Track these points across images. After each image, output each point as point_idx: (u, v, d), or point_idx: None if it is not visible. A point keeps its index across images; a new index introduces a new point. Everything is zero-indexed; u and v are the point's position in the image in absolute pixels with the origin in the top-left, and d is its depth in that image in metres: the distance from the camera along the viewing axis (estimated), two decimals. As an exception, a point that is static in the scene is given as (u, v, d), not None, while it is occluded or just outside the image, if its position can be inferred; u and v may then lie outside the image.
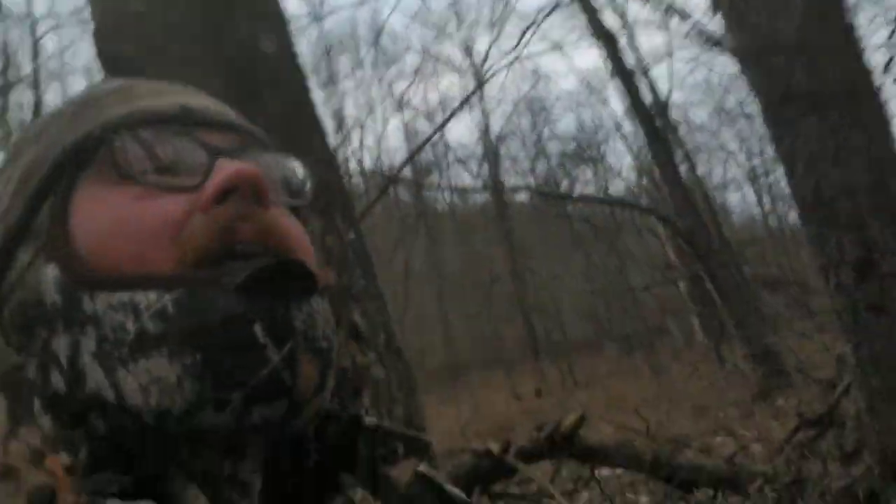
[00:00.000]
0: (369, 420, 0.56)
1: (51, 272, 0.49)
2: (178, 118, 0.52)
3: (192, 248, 0.47)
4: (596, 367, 20.03)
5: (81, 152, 0.52)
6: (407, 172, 12.93)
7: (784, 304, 10.83)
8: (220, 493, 0.47)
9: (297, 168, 0.56)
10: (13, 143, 0.57)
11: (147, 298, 0.45)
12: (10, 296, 0.50)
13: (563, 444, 4.27)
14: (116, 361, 0.45)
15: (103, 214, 0.49)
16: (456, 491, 0.60)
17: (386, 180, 9.15)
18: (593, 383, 18.02)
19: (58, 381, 0.47)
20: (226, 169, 0.49)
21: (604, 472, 5.27)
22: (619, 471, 5.40)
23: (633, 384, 15.23)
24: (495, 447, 4.09)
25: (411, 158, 12.51)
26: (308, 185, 0.56)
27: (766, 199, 22.65)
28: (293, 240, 0.51)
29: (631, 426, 9.44)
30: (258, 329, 0.45)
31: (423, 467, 0.58)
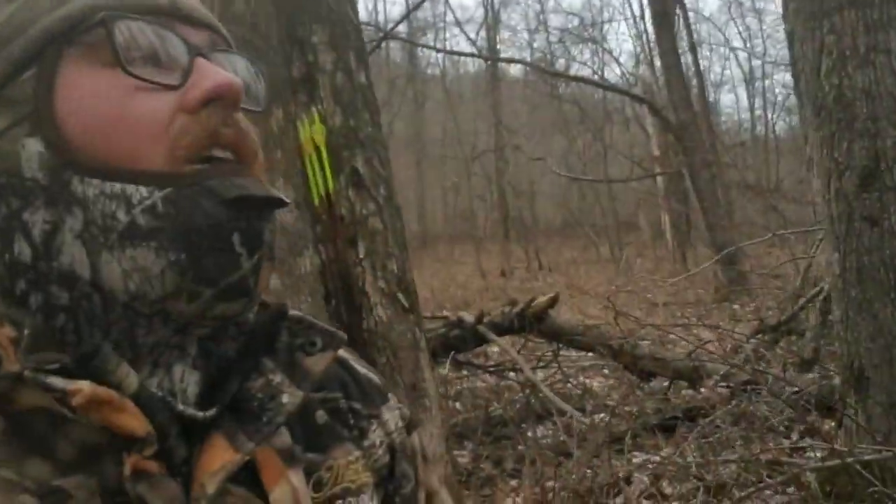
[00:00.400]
0: (293, 312, 0.60)
1: (34, 146, 0.50)
2: (167, 10, 0.54)
3: (182, 147, 0.51)
4: (562, 254, 20.35)
5: (73, 27, 0.52)
6: (402, 30, 12.41)
7: (759, 211, 10.89)
8: (161, 357, 0.52)
9: (256, 73, 0.60)
10: None
11: (139, 192, 0.49)
12: None
13: (533, 322, 4.32)
14: (102, 245, 0.49)
15: (97, 104, 0.50)
16: (371, 374, 0.70)
17: (380, 34, 8.73)
18: (558, 269, 18.35)
19: (23, 249, 0.50)
20: (211, 75, 0.52)
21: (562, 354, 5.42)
22: (576, 354, 5.56)
23: (596, 274, 15.54)
24: (469, 317, 4.12)
25: (410, 12, 11.96)
26: (263, 91, 0.61)
27: (757, 104, 22.43)
28: (256, 145, 0.55)
29: (593, 313, 9.66)
30: (237, 238, 0.50)
31: (342, 351, 0.67)
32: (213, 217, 0.50)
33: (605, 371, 5.98)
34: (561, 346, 4.63)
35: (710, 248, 12.13)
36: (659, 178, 16.09)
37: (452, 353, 4.16)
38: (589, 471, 3.47)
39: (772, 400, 3.82)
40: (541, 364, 4.75)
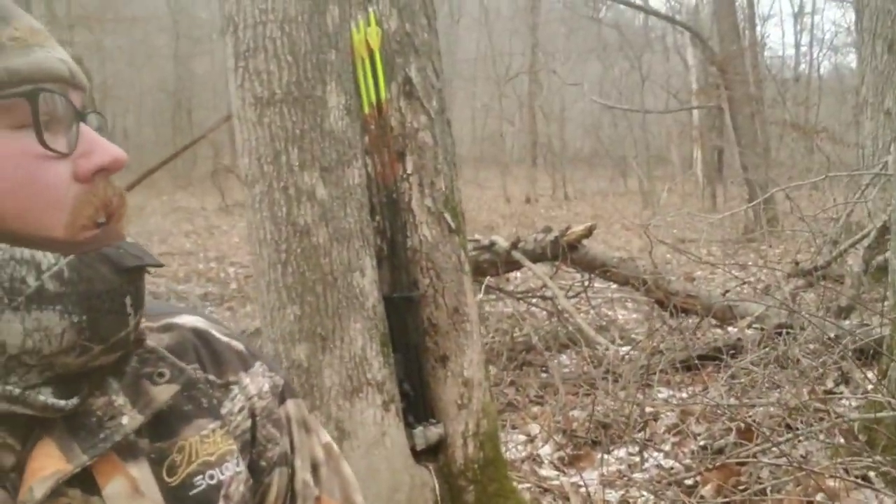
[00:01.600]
0: (149, 343, 0.64)
1: None
2: (67, 79, 0.58)
3: (84, 217, 0.56)
4: (588, 184, 20.07)
5: None
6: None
7: (801, 151, 10.55)
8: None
9: (104, 123, 0.65)
10: None
11: (47, 259, 0.54)
12: None
13: (566, 250, 4.23)
14: (5, 306, 0.52)
15: (7, 168, 0.53)
16: (234, 342, 0.72)
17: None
18: (584, 198, 18.13)
19: None
20: (100, 147, 0.58)
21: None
22: (599, 285, 5.47)
23: (623, 206, 15.33)
24: (502, 241, 4.03)
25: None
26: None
27: (803, 41, 21.58)
28: (126, 206, 0.61)
29: (617, 244, 9.51)
30: (128, 301, 0.57)
31: (203, 324, 0.71)
32: (111, 283, 0.55)
33: (629, 304, 5.91)
34: (592, 276, 4.54)
35: (742, 187, 11.87)
36: (695, 113, 15.66)
37: (487, 277, 4.08)
38: (614, 403, 3.44)
39: (806, 345, 3.73)
40: (569, 294, 4.68)
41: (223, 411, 0.66)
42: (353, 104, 1.87)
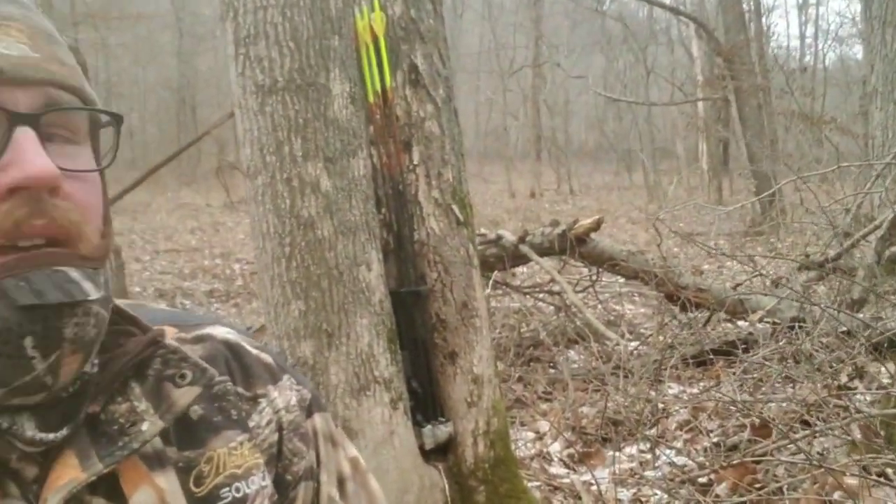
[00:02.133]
0: (169, 342, 0.61)
1: None
2: None
3: None
4: (593, 178, 19.99)
5: None
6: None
7: (809, 143, 10.45)
8: None
9: (110, 121, 0.58)
10: None
11: None
12: None
13: (574, 244, 4.16)
14: None
15: None
16: (263, 354, 0.70)
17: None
18: (588, 192, 18.05)
19: None
20: (23, 160, 0.49)
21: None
22: (606, 280, 5.40)
23: (628, 201, 15.25)
24: (509, 235, 3.97)
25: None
26: (116, 134, 0.59)
27: (808, 32, 21.45)
28: (76, 226, 0.52)
29: (622, 239, 9.45)
30: (28, 342, 0.49)
31: (234, 336, 0.69)
32: (3, 322, 0.48)
33: (636, 298, 5.84)
34: (600, 270, 4.47)
35: (748, 180, 11.77)
36: (700, 105, 15.55)
37: (494, 272, 4.02)
38: (624, 399, 3.38)
39: (819, 339, 3.66)
40: (577, 289, 4.61)
41: (251, 424, 0.65)
42: (358, 92, 1.81)
